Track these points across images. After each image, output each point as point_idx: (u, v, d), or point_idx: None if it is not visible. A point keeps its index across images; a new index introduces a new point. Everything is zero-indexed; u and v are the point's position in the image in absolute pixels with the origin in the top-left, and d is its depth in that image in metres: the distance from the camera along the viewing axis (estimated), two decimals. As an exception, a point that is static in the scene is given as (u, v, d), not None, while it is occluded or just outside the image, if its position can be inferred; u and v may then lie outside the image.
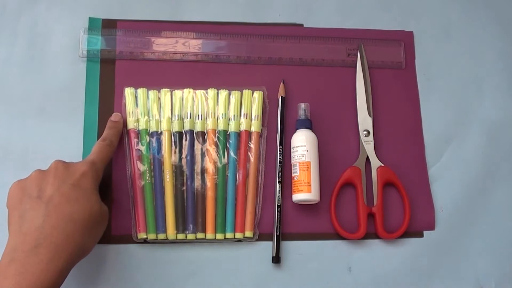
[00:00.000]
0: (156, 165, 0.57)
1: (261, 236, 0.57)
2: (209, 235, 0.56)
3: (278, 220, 0.56)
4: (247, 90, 0.60)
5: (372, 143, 0.60)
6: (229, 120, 0.59)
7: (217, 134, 0.58)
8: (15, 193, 0.48)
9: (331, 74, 0.63)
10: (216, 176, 0.57)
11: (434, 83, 0.65)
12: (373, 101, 0.62)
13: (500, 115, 0.64)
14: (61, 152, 0.57)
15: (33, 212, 0.45)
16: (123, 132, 0.58)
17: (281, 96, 0.61)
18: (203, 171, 0.57)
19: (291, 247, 0.57)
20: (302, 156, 0.56)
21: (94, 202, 0.48)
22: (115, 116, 0.58)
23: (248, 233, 0.56)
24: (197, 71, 0.61)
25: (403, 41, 0.66)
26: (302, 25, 0.65)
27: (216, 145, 0.58)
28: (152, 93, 0.58)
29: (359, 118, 0.61)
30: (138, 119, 0.58)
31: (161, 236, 0.55)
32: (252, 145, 0.58)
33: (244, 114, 0.59)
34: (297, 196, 0.56)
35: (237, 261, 0.56)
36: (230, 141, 0.58)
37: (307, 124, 0.58)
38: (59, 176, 0.48)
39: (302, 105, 0.59)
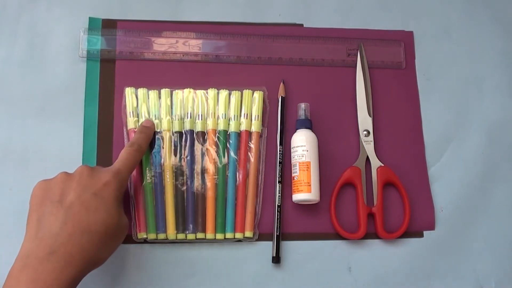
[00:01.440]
0: (156, 165, 0.57)
1: (261, 236, 0.57)
2: (209, 235, 0.56)
3: (278, 220, 0.56)
4: (247, 90, 0.60)
5: (372, 143, 0.60)
6: (229, 120, 0.59)
7: (217, 134, 0.58)
8: (37, 193, 0.47)
9: (331, 74, 0.63)
10: (216, 176, 0.57)
11: (434, 83, 0.65)
12: (373, 101, 0.62)
13: (500, 115, 0.64)
14: (61, 152, 0.57)
15: (52, 217, 0.45)
16: (123, 132, 0.58)
17: (281, 96, 0.61)
18: (203, 171, 0.57)
19: (291, 247, 0.57)
20: (302, 156, 0.56)
21: (113, 215, 0.47)
22: (147, 122, 0.57)
23: (248, 233, 0.56)
24: (197, 71, 0.61)
25: (403, 41, 0.66)
26: (302, 25, 0.65)
27: (216, 145, 0.58)
28: (152, 93, 0.58)
29: (359, 118, 0.61)
30: (138, 119, 0.58)
31: (161, 236, 0.55)
32: (252, 145, 0.58)
33: (244, 114, 0.59)
34: (297, 196, 0.56)
35: (237, 261, 0.56)
36: (230, 141, 0.58)
37: (307, 124, 0.58)
38: (83, 183, 0.47)
39: (302, 105, 0.59)
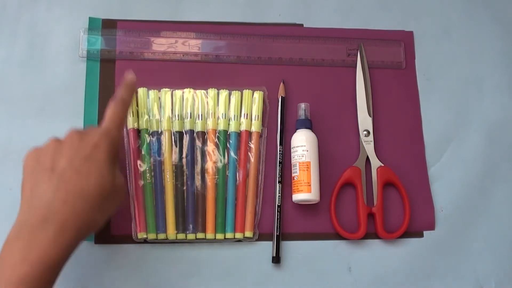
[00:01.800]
0: (157, 165, 0.57)
1: (261, 236, 0.57)
2: (209, 235, 0.56)
3: (278, 220, 0.56)
4: (247, 90, 0.60)
5: (372, 143, 0.60)
6: (229, 120, 0.59)
7: (217, 134, 0.58)
8: (29, 162, 0.48)
9: (331, 74, 0.63)
10: (216, 176, 0.57)
11: (434, 83, 0.65)
12: (373, 101, 0.62)
13: (500, 115, 0.64)
14: (61, 152, 0.57)
15: (44, 185, 0.45)
16: (123, 132, 0.58)
17: (281, 96, 0.61)
18: (203, 171, 0.57)
19: (291, 247, 0.57)
20: (302, 156, 0.56)
21: (106, 176, 0.47)
22: (126, 74, 0.56)
23: (248, 233, 0.56)
24: (197, 71, 0.61)
25: (403, 41, 0.66)
26: (302, 25, 0.65)
27: (216, 145, 0.58)
28: (152, 93, 0.58)
29: (359, 118, 0.61)
30: (138, 119, 0.58)
31: (161, 236, 0.55)
32: (252, 145, 0.58)
33: (244, 114, 0.59)
34: (297, 196, 0.56)
35: (237, 261, 0.56)
36: (230, 141, 0.58)
37: (307, 124, 0.58)
38: (73, 148, 0.47)
39: (302, 105, 0.59)
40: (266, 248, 0.57)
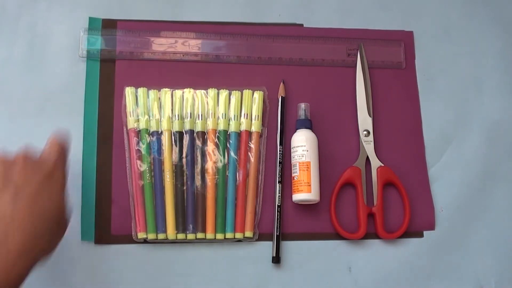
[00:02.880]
0: (156, 165, 0.57)
1: (261, 236, 0.57)
2: (209, 235, 0.56)
3: (278, 220, 0.56)
4: (247, 90, 0.60)
5: (372, 143, 0.60)
6: (229, 120, 0.59)
7: (217, 134, 0.58)
8: None
9: (331, 74, 0.63)
10: (216, 176, 0.57)
11: (434, 83, 0.65)
12: (373, 101, 0.62)
13: (500, 115, 0.64)
14: (61, 152, 0.57)
15: None
16: (123, 132, 0.58)
17: (281, 96, 0.61)
18: (203, 171, 0.57)
19: (291, 247, 0.57)
20: (302, 156, 0.56)
21: (62, 202, 0.46)
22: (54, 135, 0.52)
23: (248, 233, 0.56)
24: (197, 71, 0.61)
25: (403, 41, 0.66)
26: (302, 25, 0.65)
27: (217, 145, 0.58)
28: (152, 93, 0.58)
29: (359, 118, 0.61)
30: (138, 119, 0.58)
31: (161, 236, 0.55)
32: (252, 145, 0.58)
33: (244, 114, 0.59)
34: (297, 196, 0.56)
35: (237, 261, 0.56)
36: (231, 141, 0.58)
37: (307, 124, 0.58)
38: (27, 173, 0.45)
39: (302, 105, 0.59)
40: (266, 248, 0.57)
